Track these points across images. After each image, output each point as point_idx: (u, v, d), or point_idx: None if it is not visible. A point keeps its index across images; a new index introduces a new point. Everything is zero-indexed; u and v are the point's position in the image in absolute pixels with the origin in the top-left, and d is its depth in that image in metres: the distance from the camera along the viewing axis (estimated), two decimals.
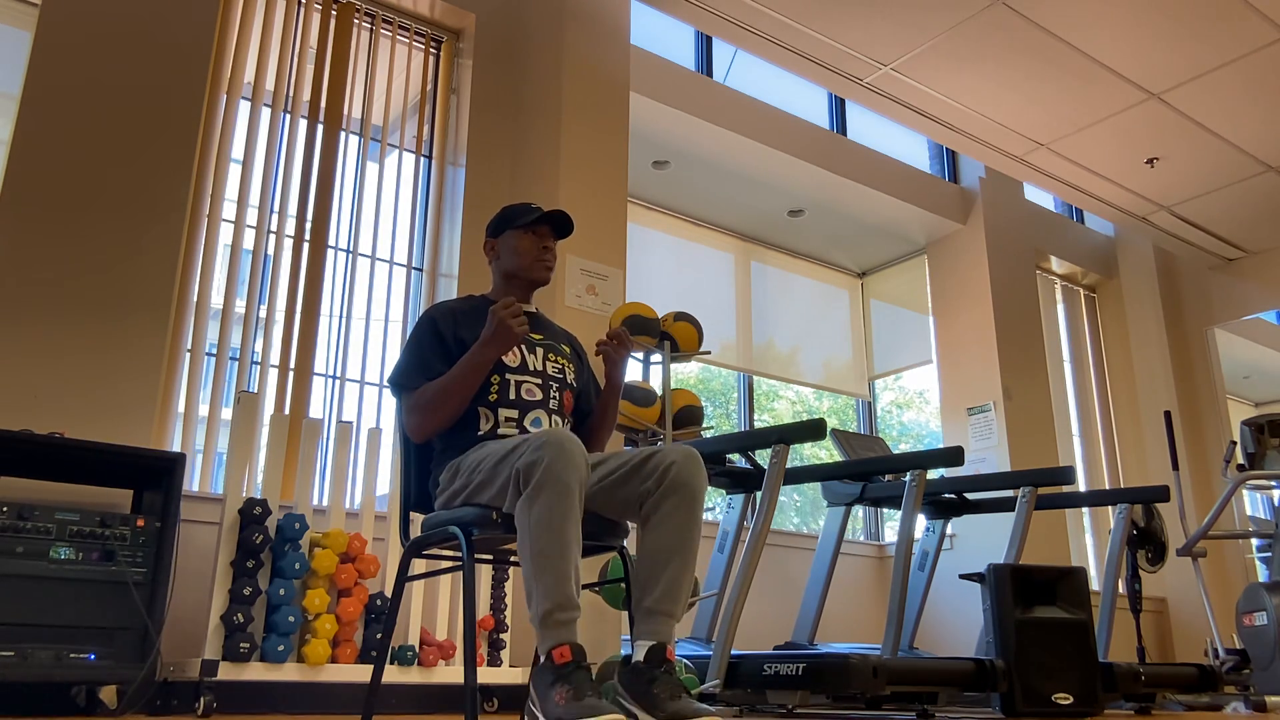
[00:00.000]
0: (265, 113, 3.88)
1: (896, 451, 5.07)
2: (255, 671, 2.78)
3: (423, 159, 4.38)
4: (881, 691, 2.90)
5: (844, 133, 5.85)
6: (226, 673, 2.71)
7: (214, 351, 3.60)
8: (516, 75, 4.50)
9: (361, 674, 2.95)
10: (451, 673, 3.20)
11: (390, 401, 3.97)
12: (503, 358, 2.11)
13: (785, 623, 5.05)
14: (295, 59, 4.00)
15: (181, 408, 3.44)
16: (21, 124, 3.21)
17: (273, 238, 3.80)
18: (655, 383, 4.08)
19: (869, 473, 4.04)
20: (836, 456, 4.48)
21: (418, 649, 3.18)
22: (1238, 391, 6.89)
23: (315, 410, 3.75)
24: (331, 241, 3.94)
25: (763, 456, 3.23)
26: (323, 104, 4.02)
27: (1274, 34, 4.57)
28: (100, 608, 2.64)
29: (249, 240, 3.74)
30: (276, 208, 3.82)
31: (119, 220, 3.32)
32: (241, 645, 2.75)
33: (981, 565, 3.51)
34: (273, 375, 3.66)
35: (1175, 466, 5.22)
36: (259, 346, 3.68)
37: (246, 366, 3.67)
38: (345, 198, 4.06)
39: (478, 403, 2.10)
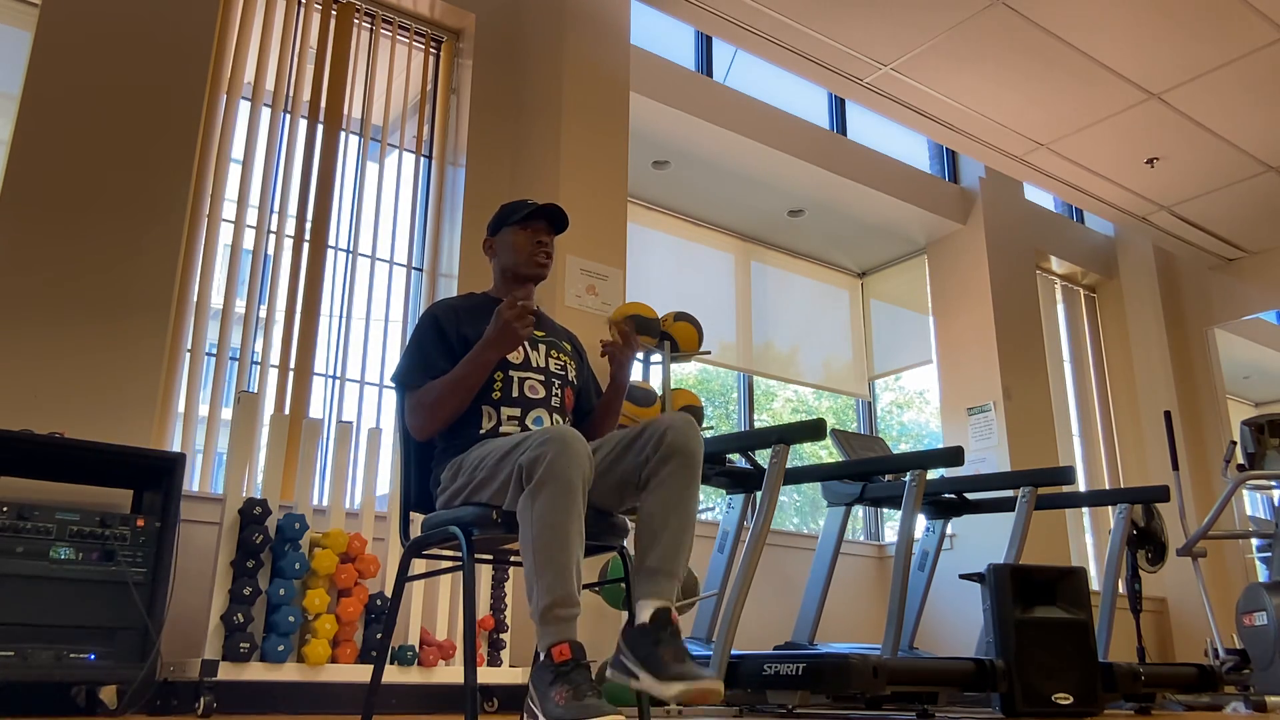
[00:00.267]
0: (265, 113, 3.88)
1: (896, 451, 5.07)
2: (255, 671, 2.78)
3: (423, 159, 4.38)
4: (881, 691, 2.90)
5: (844, 133, 5.85)
6: (226, 673, 2.71)
7: (214, 351, 3.60)
8: (516, 75, 4.50)
9: (361, 674, 2.95)
10: (451, 673, 3.20)
11: (390, 401, 3.97)
12: (508, 354, 2.11)
13: (785, 623, 5.05)
14: (295, 59, 4.00)
15: (181, 408, 3.44)
16: (21, 124, 3.21)
17: (273, 238, 3.80)
18: (655, 383, 4.08)
19: (869, 473, 4.04)
20: (836, 456, 4.48)
21: (418, 649, 3.18)
22: (1238, 391, 6.89)
23: (315, 410, 3.75)
24: (331, 241, 3.94)
25: (763, 456, 3.23)
26: (323, 104, 4.02)
27: (1274, 34, 4.57)
28: (100, 608, 2.64)
29: (249, 240, 3.74)
30: (276, 208, 3.82)
31: (119, 220, 3.32)
32: (241, 645, 2.75)
33: (981, 565, 3.51)
34: (273, 375, 3.66)
35: (1175, 466, 5.22)
36: (259, 346, 3.68)
37: (246, 366, 3.67)
38: (345, 198, 4.06)
39: (480, 400, 2.10)
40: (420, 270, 4.23)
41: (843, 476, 4.11)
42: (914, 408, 7.10)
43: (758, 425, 5.94)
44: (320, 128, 4.00)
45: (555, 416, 2.16)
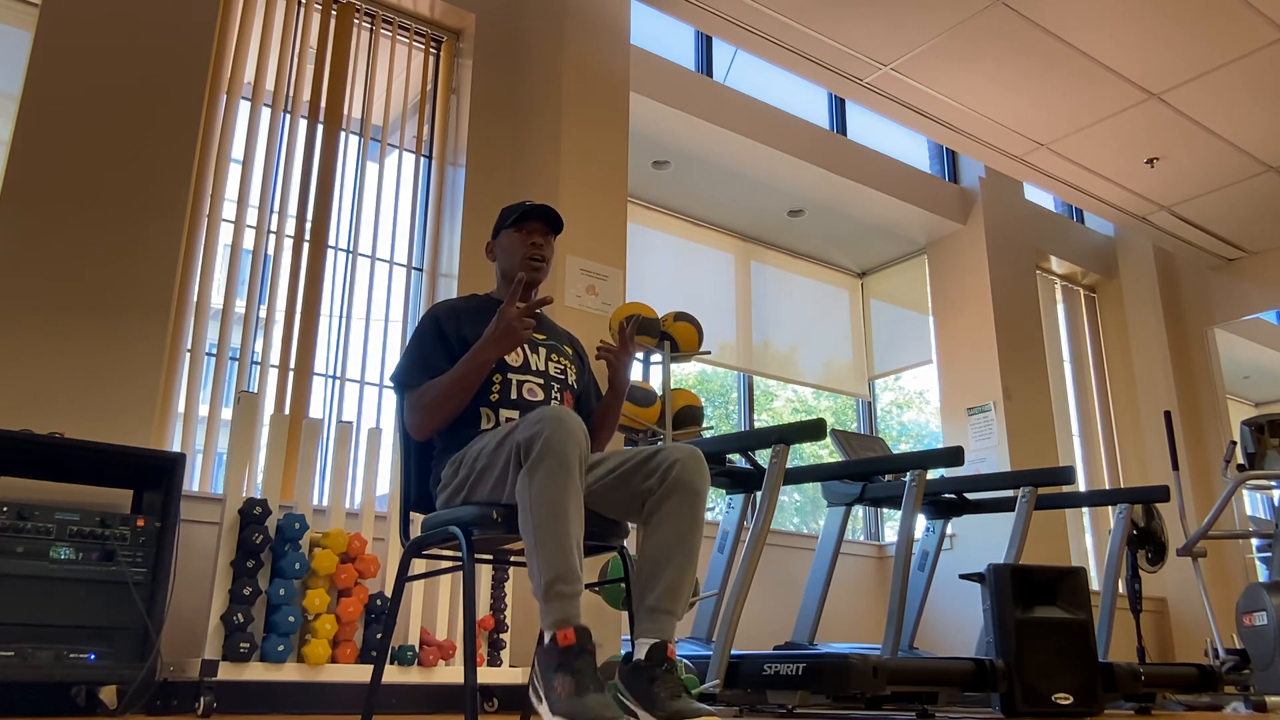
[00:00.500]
0: (265, 113, 3.88)
1: (896, 451, 5.07)
2: (255, 671, 2.78)
3: (423, 159, 4.38)
4: (881, 691, 2.90)
5: (844, 133, 5.85)
6: (226, 673, 2.71)
7: (214, 351, 3.60)
8: (516, 75, 4.50)
9: (361, 674, 2.95)
10: (451, 673, 3.20)
11: (390, 401, 3.97)
12: (505, 357, 2.11)
13: (785, 623, 5.05)
14: (295, 59, 4.00)
15: (181, 408, 3.44)
16: (21, 124, 3.21)
17: (273, 238, 3.80)
18: (655, 383, 4.08)
19: (869, 473, 4.04)
20: (836, 456, 4.48)
21: (418, 649, 3.18)
22: (1238, 391, 6.89)
23: (315, 410, 3.75)
24: (331, 241, 3.94)
25: (763, 456, 3.23)
26: (323, 104, 4.02)
27: (1274, 34, 4.57)
28: (100, 608, 2.64)
29: (249, 240, 3.74)
30: (276, 208, 3.82)
31: (119, 220, 3.32)
32: (241, 645, 2.75)
33: (981, 565, 3.51)
34: (273, 375, 3.66)
35: (1175, 466, 5.22)
36: (259, 346, 3.68)
37: (246, 366, 3.67)
38: (345, 198, 4.06)
39: (479, 402, 2.10)
40: (420, 270, 4.23)
41: (843, 476, 4.11)
42: (914, 408, 7.11)
43: (758, 425, 5.94)
44: (320, 128, 4.00)
45: None
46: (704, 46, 5.42)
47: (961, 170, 6.31)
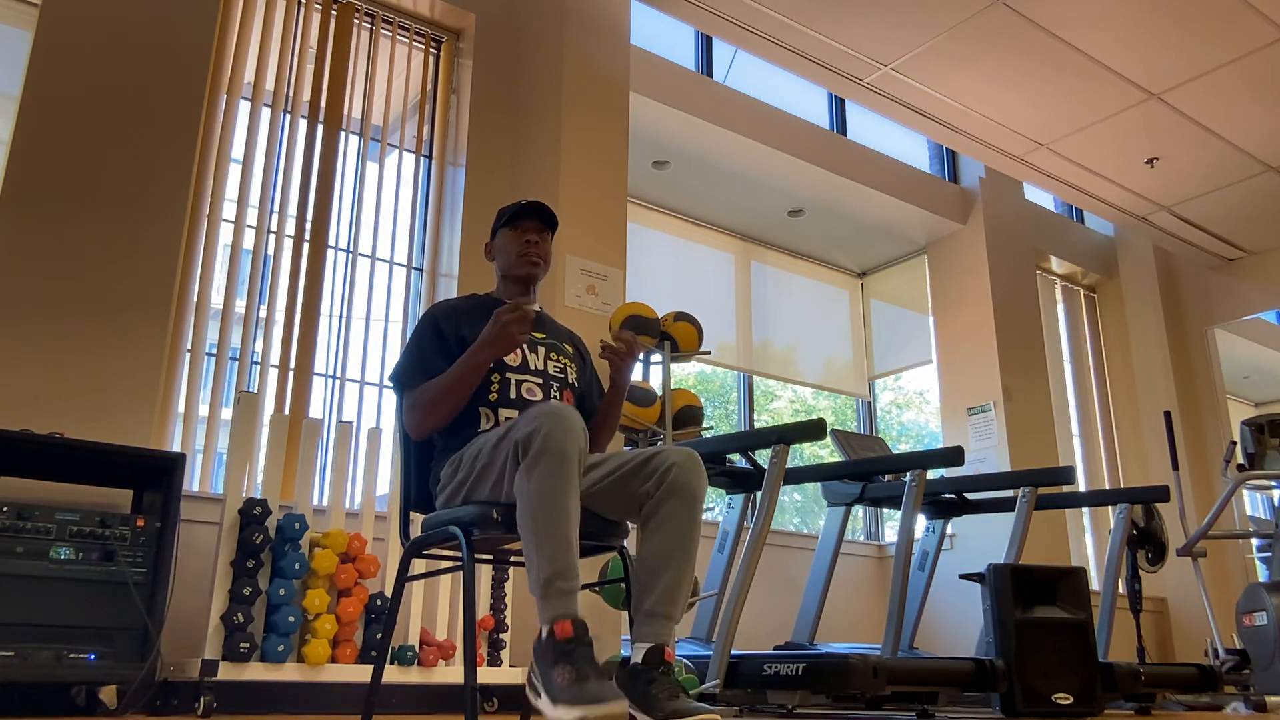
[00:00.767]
0: (265, 113, 3.88)
1: (896, 451, 5.07)
2: (255, 671, 2.78)
3: (423, 159, 4.38)
4: (881, 691, 2.90)
5: (844, 133, 5.85)
6: (226, 673, 2.71)
7: (214, 351, 3.60)
8: (516, 75, 4.50)
9: (361, 674, 2.95)
10: (451, 673, 3.20)
11: (390, 401, 3.97)
12: (504, 357, 2.11)
13: (785, 623, 5.05)
14: (295, 59, 4.00)
15: (181, 408, 3.44)
16: (21, 124, 3.21)
17: (273, 238, 3.80)
18: (655, 383, 4.08)
19: (869, 473, 4.04)
20: (836, 456, 4.48)
21: (418, 649, 3.18)
22: (1238, 391, 6.89)
23: (315, 410, 3.75)
24: (331, 241, 3.94)
25: (763, 456, 3.23)
26: (323, 104, 4.02)
27: (1274, 34, 4.57)
28: (100, 608, 2.64)
29: (249, 240, 3.74)
30: (276, 208, 3.82)
31: (119, 220, 3.31)
32: (241, 645, 2.75)
33: (981, 565, 3.51)
34: (273, 375, 3.66)
35: (1175, 466, 5.22)
36: (259, 346, 3.68)
37: (246, 366, 3.67)
38: (345, 198, 4.06)
39: (478, 402, 2.10)
40: (420, 270, 4.23)
41: (843, 476, 4.11)
42: (914, 408, 7.11)
43: (758, 425, 5.94)
44: (320, 128, 4.00)
45: None
46: (704, 46, 5.42)
47: (961, 170, 6.31)
